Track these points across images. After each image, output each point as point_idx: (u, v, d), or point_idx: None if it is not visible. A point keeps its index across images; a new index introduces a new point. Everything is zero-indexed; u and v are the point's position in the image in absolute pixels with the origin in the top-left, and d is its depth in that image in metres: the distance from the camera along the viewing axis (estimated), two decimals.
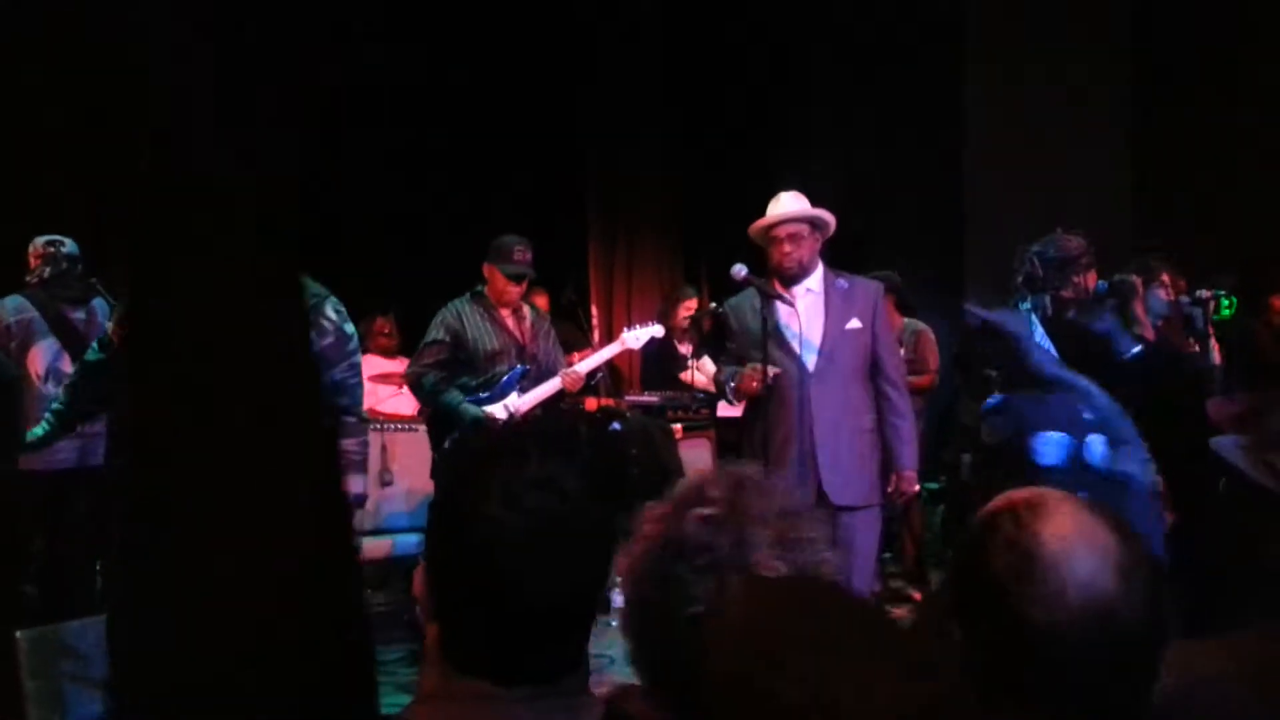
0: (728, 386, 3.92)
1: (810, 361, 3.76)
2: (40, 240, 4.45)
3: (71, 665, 3.66)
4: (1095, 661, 1.04)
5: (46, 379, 4.25)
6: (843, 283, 3.88)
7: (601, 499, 1.06)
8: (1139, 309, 3.70)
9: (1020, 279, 3.96)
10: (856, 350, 3.79)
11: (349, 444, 3.49)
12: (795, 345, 3.77)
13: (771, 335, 3.75)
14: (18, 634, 3.63)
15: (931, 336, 6.03)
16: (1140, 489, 3.53)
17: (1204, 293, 4.42)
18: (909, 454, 3.79)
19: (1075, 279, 3.71)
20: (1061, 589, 1.05)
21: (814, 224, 3.85)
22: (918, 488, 3.78)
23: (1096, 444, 1.97)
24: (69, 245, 4.46)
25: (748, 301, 3.90)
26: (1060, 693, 1.05)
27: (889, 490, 3.80)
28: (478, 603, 1.01)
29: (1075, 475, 1.93)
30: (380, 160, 7.37)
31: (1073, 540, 1.07)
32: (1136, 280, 3.78)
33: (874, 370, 3.83)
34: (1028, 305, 4.02)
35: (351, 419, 3.55)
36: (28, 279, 4.42)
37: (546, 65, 7.84)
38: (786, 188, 4.00)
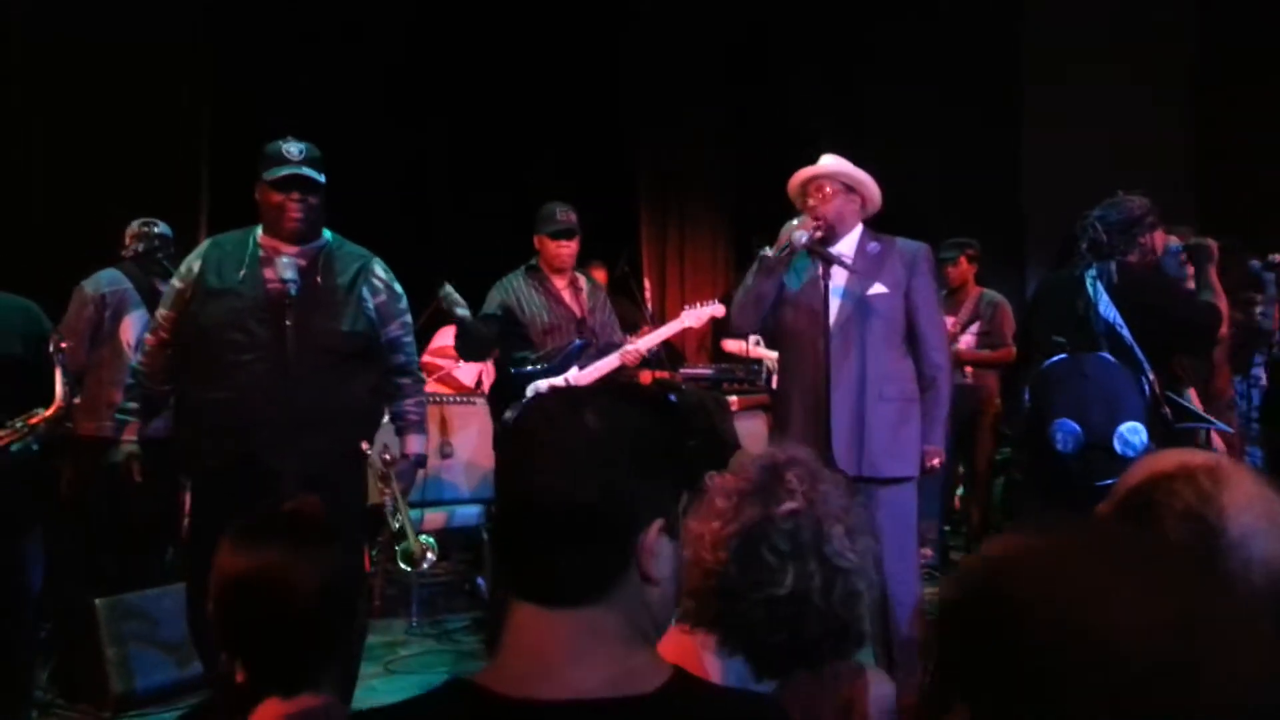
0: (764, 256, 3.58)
1: (829, 327, 3.54)
2: (136, 222, 4.77)
3: (142, 628, 3.72)
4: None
5: (137, 348, 4.34)
6: (875, 246, 3.61)
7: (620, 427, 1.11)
8: (1213, 274, 3.58)
9: (1085, 245, 3.87)
10: (881, 317, 3.53)
11: (407, 405, 3.40)
12: (819, 310, 3.56)
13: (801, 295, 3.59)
14: (96, 601, 3.70)
15: (1009, 309, 5.75)
16: None
17: (1276, 257, 4.30)
18: (936, 432, 3.56)
19: (1141, 240, 3.61)
20: (1246, 566, 1.03)
21: (847, 185, 3.62)
22: (936, 462, 3.54)
23: (1130, 433, 1.94)
24: (161, 226, 4.78)
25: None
26: None
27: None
28: (501, 518, 1.14)
29: (1092, 463, 1.90)
30: (430, 140, 7.38)
31: (1256, 516, 1.04)
32: (1212, 244, 3.65)
33: (912, 339, 3.59)
34: (1092, 273, 3.93)
35: (407, 379, 3.41)
36: (122, 254, 4.71)
37: (594, 36, 7.80)
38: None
